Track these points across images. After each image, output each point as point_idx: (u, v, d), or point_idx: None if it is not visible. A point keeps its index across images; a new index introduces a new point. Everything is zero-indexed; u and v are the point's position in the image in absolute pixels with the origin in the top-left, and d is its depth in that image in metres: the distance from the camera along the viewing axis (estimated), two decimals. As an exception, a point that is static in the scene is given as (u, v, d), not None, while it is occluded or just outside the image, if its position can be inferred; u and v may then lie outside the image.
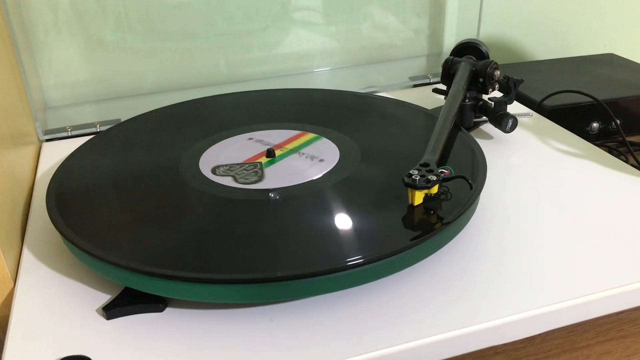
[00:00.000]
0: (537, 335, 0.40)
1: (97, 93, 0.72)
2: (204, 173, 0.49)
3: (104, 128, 0.67)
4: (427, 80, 0.79)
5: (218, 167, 0.48)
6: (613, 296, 0.39)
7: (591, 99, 0.65)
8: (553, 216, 0.47)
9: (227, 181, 0.47)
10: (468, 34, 0.83)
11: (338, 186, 0.47)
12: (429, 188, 0.42)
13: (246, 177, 0.47)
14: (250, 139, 0.55)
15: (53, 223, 0.43)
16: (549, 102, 0.68)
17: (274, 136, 0.56)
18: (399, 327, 0.36)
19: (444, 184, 0.45)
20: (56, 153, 0.62)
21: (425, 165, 0.45)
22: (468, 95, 0.60)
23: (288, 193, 0.46)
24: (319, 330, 0.37)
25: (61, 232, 0.42)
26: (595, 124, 0.69)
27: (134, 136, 0.58)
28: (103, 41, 0.70)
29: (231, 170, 0.47)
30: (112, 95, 0.73)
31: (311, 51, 0.79)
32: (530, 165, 0.55)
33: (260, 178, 0.47)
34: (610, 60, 0.84)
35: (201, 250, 0.40)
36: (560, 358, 0.42)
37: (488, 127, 0.63)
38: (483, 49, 0.64)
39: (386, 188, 0.47)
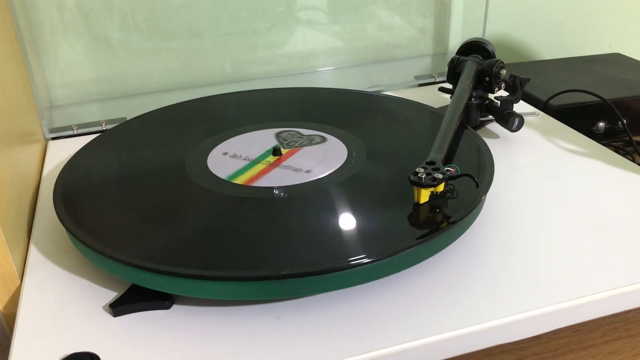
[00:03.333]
0: (543, 334, 0.40)
1: (103, 92, 0.72)
2: (210, 171, 0.49)
3: (109, 126, 0.67)
4: (432, 80, 0.79)
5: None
6: (620, 295, 0.39)
7: (597, 99, 0.65)
8: (559, 215, 0.47)
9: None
10: (473, 34, 0.83)
11: (344, 184, 0.47)
12: (435, 186, 0.42)
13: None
14: (255, 137, 0.55)
15: (60, 220, 0.43)
16: (555, 102, 0.68)
17: (273, 134, 0.56)
18: (406, 325, 0.36)
19: (450, 182, 0.44)
20: (62, 151, 0.62)
21: (432, 163, 0.44)
22: (474, 94, 0.60)
23: (294, 191, 0.46)
24: (325, 328, 0.37)
25: (68, 229, 0.42)
26: (601, 124, 0.69)
27: (139, 134, 0.58)
28: (109, 40, 0.70)
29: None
30: (118, 94, 0.73)
31: (316, 50, 0.79)
32: (536, 165, 0.55)
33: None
34: (616, 60, 0.84)
35: (207, 247, 0.40)
36: (567, 357, 0.42)
37: (494, 126, 0.63)
38: (489, 48, 0.64)
39: (392, 186, 0.47)
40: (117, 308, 0.38)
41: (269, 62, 0.78)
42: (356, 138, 0.54)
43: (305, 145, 0.48)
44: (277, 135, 0.50)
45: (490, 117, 0.62)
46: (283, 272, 0.36)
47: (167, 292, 0.38)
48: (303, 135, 0.49)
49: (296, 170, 0.49)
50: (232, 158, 0.51)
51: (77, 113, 0.71)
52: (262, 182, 0.47)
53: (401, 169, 0.47)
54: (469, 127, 0.56)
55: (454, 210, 0.42)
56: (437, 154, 0.46)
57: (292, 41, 0.78)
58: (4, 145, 0.47)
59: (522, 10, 0.89)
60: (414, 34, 0.83)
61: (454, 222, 0.41)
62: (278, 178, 0.48)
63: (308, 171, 0.48)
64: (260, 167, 0.50)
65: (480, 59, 0.62)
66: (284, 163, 0.50)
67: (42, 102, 0.65)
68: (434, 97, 0.70)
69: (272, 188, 0.46)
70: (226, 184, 0.47)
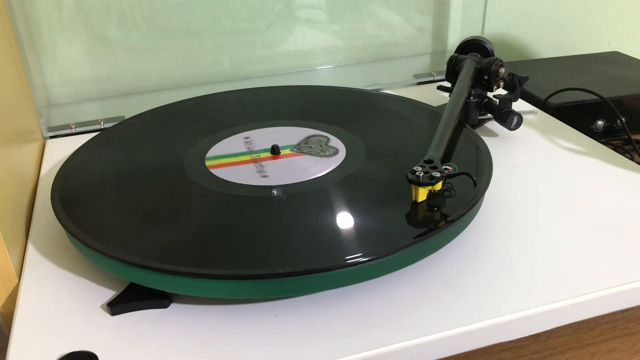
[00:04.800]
0: (542, 333, 0.40)
1: (101, 90, 0.72)
2: (209, 169, 0.49)
3: (108, 125, 0.67)
4: (431, 78, 0.79)
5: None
6: (618, 294, 0.39)
7: (596, 97, 0.65)
8: (558, 214, 0.47)
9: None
10: (472, 32, 0.82)
11: (342, 183, 0.47)
12: (432, 185, 0.42)
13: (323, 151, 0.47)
14: (253, 136, 0.55)
15: (58, 219, 0.43)
16: (554, 100, 0.67)
17: (278, 133, 0.56)
18: (404, 324, 0.36)
19: (447, 180, 0.44)
20: (60, 150, 0.62)
21: (429, 161, 0.44)
22: (473, 93, 0.60)
23: (293, 190, 0.46)
24: (323, 326, 0.37)
25: (66, 228, 0.42)
26: (600, 122, 0.68)
27: (138, 133, 0.58)
28: (107, 39, 0.70)
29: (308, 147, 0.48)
30: (116, 93, 0.73)
31: (315, 49, 0.79)
32: (535, 163, 0.55)
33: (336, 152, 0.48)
34: (615, 59, 0.84)
35: (206, 246, 0.40)
36: (565, 355, 0.42)
37: (493, 125, 0.63)
38: (488, 46, 0.64)
39: (390, 185, 0.47)
40: (115, 307, 0.38)
41: (268, 61, 0.78)
42: (354, 136, 0.54)
43: (315, 155, 0.49)
44: (306, 139, 0.51)
45: (489, 115, 0.62)
46: (281, 271, 0.36)
47: (165, 290, 0.38)
48: (323, 145, 0.49)
49: (261, 171, 0.49)
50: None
51: (75, 112, 0.71)
52: (224, 173, 0.48)
53: (399, 168, 0.47)
54: (467, 125, 0.56)
55: (452, 209, 0.42)
56: (435, 152, 0.46)
57: (291, 39, 0.78)
58: (2, 144, 0.47)
59: (521, 9, 0.89)
60: (412, 33, 0.83)
61: (452, 221, 0.41)
62: (242, 173, 0.48)
63: (265, 176, 0.48)
64: (243, 158, 0.50)
65: (479, 58, 0.62)
66: (269, 162, 0.50)
67: (40, 101, 0.65)
68: (433, 96, 0.70)
69: (270, 187, 0.46)
70: (224, 182, 0.47)
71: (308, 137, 0.51)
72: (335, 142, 0.53)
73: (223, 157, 0.51)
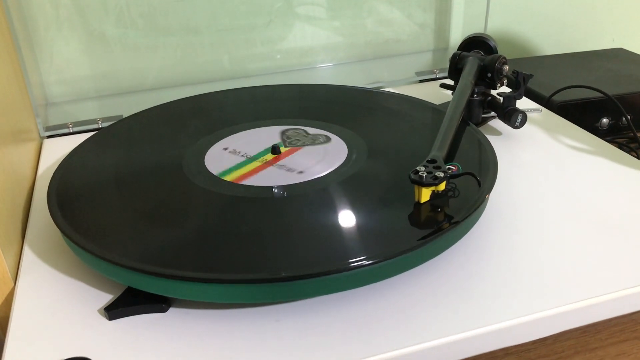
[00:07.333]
0: (549, 336, 0.39)
1: (99, 89, 0.72)
2: (208, 169, 0.48)
3: (105, 124, 0.66)
4: (433, 76, 0.78)
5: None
6: (626, 296, 0.39)
7: (601, 94, 0.64)
8: (563, 214, 0.46)
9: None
10: (475, 29, 0.82)
11: (344, 183, 0.46)
12: (436, 185, 0.41)
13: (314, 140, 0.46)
14: (253, 134, 0.54)
15: (54, 221, 0.42)
16: (558, 98, 0.67)
17: (278, 132, 0.55)
18: (408, 329, 0.36)
19: (451, 181, 0.44)
20: (57, 150, 0.61)
21: (433, 161, 0.44)
22: (476, 91, 0.59)
23: (294, 190, 0.45)
24: (325, 331, 0.36)
25: (62, 231, 0.41)
26: (604, 120, 0.68)
27: (136, 132, 0.57)
28: (105, 36, 0.69)
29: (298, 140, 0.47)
30: (114, 91, 0.72)
31: (315, 46, 0.78)
32: (539, 162, 0.54)
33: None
34: (619, 55, 0.83)
35: (205, 249, 0.39)
36: (573, 359, 0.41)
37: (497, 123, 0.62)
38: (491, 43, 0.63)
39: (393, 185, 0.46)
40: (113, 311, 0.37)
41: (268, 58, 0.77)
42: (356, 135, 0.53)
43: (308, 145, 0.47)
44: (282, 133, 0.49)
45: (493, 113, 0.61)
46: (282, 274, 0.36)
47: (164, 294, 0.38)
48: (308, 134, 0.48)
49: (289, 170, 0.48)
50: (231, 154, 0.50)
51: (72, 111, 0.70)
52: (252, 181, 0.46)
53: (402, 167, 0.47)
54: (471, 123, 0.55)
55: (456, 210, 0.41)
56: (438, 151, 0.46)
57: (290, 37, 0.77)
58: (-3, 144, 0.46)
59: (524, 5, 0.88)
60: (414, 29, 0.82)
61: (457, 223, 0.40)
62: (269, 177, 0.47)
63: (301, 172, 0.47)
64: (255, 164, 0.49)
65: (482, 55, 0.61)
66: (280, 162, 0.49)
67: (37, 100, 0.64)
68: (435, 93, 0.69)
69: (270, 187, 0.45)
70: (224, 183, 0.46)
71: (284, 132, 0.49)
72: (336, 140, 0.52)
73: (236, 169, 0.49)
